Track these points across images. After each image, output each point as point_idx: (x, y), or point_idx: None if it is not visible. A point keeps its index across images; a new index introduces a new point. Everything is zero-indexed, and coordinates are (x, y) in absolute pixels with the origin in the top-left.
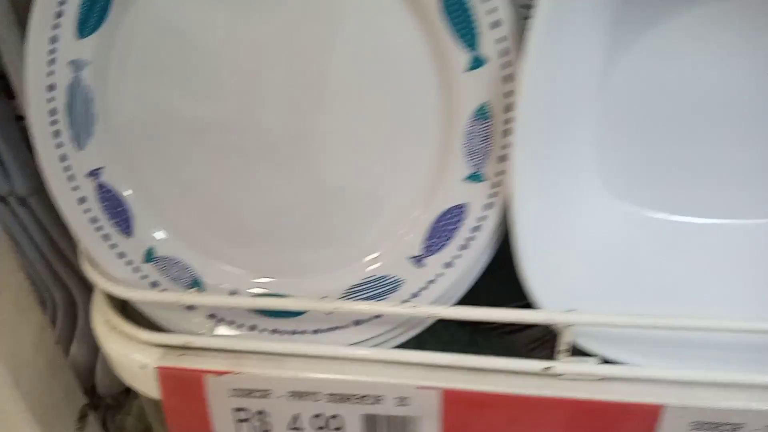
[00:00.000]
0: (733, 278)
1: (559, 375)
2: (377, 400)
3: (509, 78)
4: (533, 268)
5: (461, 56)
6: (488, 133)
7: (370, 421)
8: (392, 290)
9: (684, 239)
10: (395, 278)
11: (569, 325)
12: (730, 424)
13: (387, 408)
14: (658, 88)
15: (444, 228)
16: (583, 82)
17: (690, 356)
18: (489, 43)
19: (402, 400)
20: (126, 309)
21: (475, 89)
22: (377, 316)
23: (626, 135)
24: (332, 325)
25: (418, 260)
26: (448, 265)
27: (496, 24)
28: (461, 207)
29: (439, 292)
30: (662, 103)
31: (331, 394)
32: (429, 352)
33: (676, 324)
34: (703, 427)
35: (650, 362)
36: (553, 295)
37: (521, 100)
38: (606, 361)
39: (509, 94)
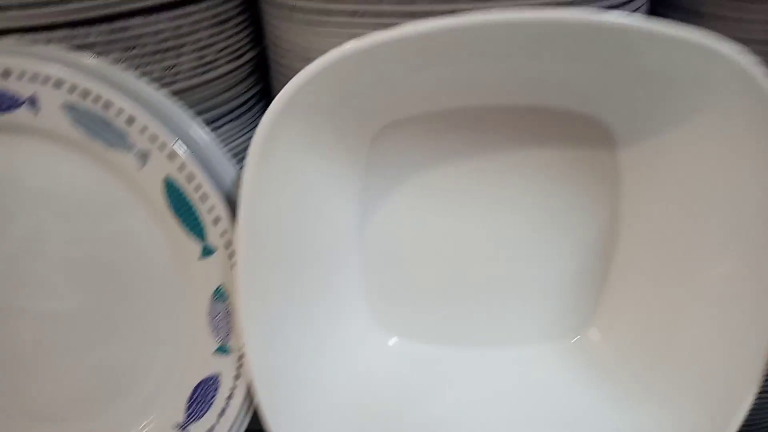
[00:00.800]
0: (498, 406)
1: None
2: None
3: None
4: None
5: (194, 246)
6: (228, 310)
7: None
8: None
9: (450, 369)
10: None
11: None
12: None
13: None
14: (409, 233)
15: (202, 397)
16: (341, 234)
17: None
18: (214, 235)
19: None
20: None
21: (209, 274)
22: None
23: (389, 275)
24: None
25: (183, 427)
26: (209, 431)
27: (216, 220)
28: (215, 377)
29: None
30: (416, 244)
31: None
32: None
33: None
34: None
35: None
36: None
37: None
38: None
39: None
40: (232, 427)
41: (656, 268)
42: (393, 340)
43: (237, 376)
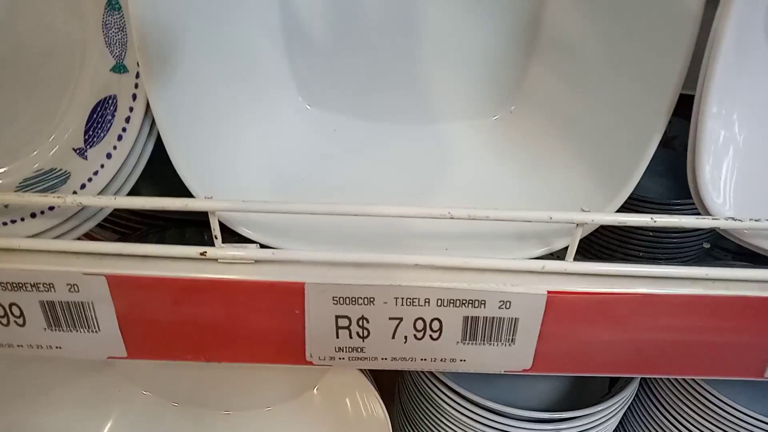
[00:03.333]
0: (409, 174)
1: (216, 259)
2: (50, 287)
3: None
4: (185, 160)
5: None
6: (122, 23)
7: (50, 306)
8: (63, 182)
9: (368, 140)
10: (63, 171)
11: (212, 212)
12: (364, 298)
13: (61, 295)
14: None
15: (100, 120)
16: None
17: (343, 242)
18: None
19: (72, 287)
20: None
21: None
22: (51, 208)
23: (313, 48)
24: (11, 218)
25: (81, 152)
26: (108, 156)
27: None
28: (112, 98)
29: (103, 183)
30: (339, 20)
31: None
32: (95, 242)
33: (301, 209)
34: (343, 301)
35: (303, 248)
36: (208, 185)
37: None
38: (264, 247)
39: None
40: (131, 151)
41: (574, 48)
42: (312, 109)
43: (135, 96)
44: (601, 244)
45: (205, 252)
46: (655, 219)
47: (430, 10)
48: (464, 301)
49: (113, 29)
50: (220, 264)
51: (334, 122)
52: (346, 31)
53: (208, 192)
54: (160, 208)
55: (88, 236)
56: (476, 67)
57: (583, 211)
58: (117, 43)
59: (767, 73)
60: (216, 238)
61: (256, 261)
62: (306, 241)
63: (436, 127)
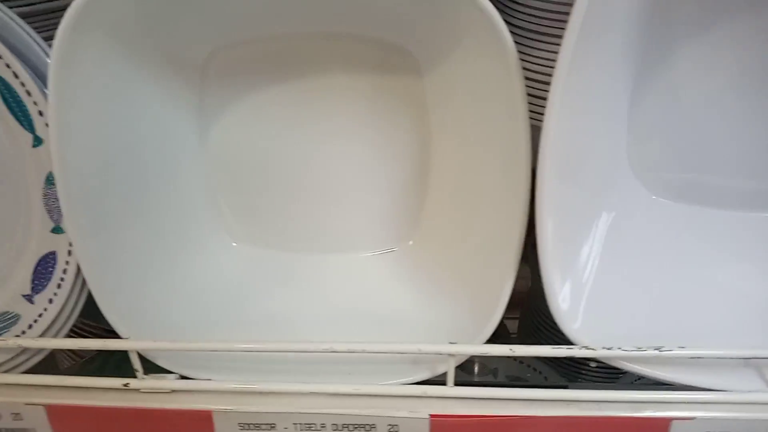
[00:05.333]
0: (326, 305)
1: (138, 389)
2: None
3: None
4: (109, 305)
5: (27, 137)
6: (56, 195)
7: None
8: (13, 323)
9: (286, 271)
10: (14, 314)
11: (131, 350)
12: (266, 424)
13: (6, 423)
14: (247, 147)
15: (44, 270)
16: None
17: (256, 368)
18: (41, 126)
19: (16, 416)
20: None
21: (41, 161)
22: None
23: (231, 185)
24: None
25: (29, 298)
26: (50, 301)
27: (41, 112)
28: (53, 253)
29: (46, 324)
30: (253, 158)
31: None
32: (36, 375)
33: (202, 347)
34: (248, 427)
35: (218, 377)
36: (136, 324)
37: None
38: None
39: None
40: (69, 297)
41: (456, 184)
42: (234, 244)
43: (69, 252)
44: None
45: (128, 383)
46: (513, 349)
47: (338, 152)
48: (356, 425)
49: (51, 199)
50: (141, 393)
51: (254, 255)
52: (270, 176)
53: (134, 329)
54: (84, 348)
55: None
56: (378, 205)
57: (451, 343)
58: (55, 210)
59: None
60: (137, 371)
61: (173, 390)
62: (222, 369)
63: (354, 256)
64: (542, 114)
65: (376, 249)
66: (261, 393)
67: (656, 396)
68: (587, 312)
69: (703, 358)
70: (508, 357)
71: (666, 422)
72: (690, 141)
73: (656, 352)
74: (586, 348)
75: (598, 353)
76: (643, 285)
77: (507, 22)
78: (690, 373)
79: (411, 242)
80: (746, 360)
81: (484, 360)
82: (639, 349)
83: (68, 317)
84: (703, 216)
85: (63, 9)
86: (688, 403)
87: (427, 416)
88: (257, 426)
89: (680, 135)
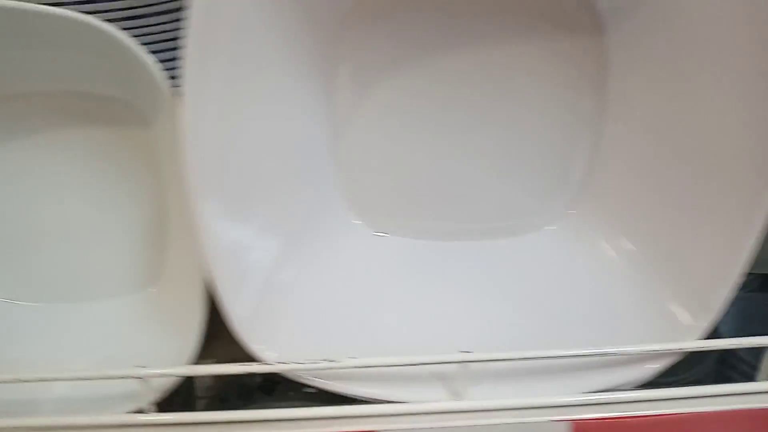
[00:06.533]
0: None
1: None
2: None
3: None
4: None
5: None
6: None
7: None
8: None
9: None
10: None
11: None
12: None
13: None
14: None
15: None
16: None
17: None
18: None
19: None
20: None
21: None
22: None
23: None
24: None
25: None
26: None
27: None
28: None
29: None
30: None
31: None
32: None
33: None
34: None
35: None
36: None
37: None
38: None
39: None
40: None
41: None
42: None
43: None
44: None
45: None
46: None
47: None
48: None
49: None
50: None
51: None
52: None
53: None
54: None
55: None
56: None
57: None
58: None
59: None
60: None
61: None
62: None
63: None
64: None
65: None
66: None
67: (326, 411)
68: (276, 334)
69: (371, 367)
70: None
71: None
72: (395, 174)
73: (330, 363)
74: (263, 363)
75: (275, 368)
76: (340, 310)
77: None
78: (370, 386)
79: None
80: (432, 372)
81: None
82: (313, 361)
83: None
84: (409, 246)
85: None
86: (365, 417)
87: None
88: None
89: (386, 168)
